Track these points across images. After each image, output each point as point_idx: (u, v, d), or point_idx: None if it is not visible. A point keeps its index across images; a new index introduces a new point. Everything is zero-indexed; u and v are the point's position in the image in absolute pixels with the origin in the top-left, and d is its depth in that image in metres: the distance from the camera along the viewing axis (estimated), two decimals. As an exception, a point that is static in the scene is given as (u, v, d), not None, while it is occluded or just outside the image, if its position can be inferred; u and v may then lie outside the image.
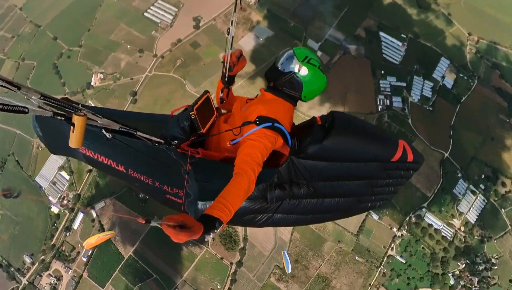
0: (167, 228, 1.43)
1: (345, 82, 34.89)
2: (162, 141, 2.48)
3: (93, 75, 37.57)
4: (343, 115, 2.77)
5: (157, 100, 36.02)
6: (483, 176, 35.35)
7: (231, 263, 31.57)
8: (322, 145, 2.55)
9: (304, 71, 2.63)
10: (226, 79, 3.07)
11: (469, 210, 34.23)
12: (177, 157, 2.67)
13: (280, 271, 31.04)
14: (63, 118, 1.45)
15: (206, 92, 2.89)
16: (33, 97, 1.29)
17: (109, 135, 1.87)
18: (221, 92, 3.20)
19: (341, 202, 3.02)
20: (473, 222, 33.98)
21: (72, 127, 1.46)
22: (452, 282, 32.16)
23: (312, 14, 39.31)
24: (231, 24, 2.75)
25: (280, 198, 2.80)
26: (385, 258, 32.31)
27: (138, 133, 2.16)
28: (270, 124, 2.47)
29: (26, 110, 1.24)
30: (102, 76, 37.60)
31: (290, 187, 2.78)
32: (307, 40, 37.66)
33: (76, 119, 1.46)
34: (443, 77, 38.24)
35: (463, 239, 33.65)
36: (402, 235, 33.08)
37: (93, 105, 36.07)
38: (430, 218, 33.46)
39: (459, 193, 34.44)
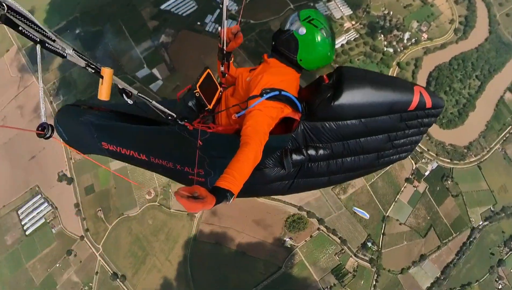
0: (181, 199, 1.46)
1: (195, 59, 34.94)
2: (174, 115, 2.51)
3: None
4: (350, 69, 2.60)
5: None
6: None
7: (318, 229, 33.37)
8: (333, 105, 2.41)
9: (302, 30, 2.51)
10: (223, 53, 3.00)
11: (341, 11, 39.46)
12: (190, 136, 2.70)
13: (339, 188, 33.70)
14: (93, 70, 1.55)
15: (207, 68, 2.83)
16: (66, 50, 1.38)
17: (130, 101, 1.91)
18: (222, 66, 3.15)
19: (362, 159, 2.90)
20: (351, 12, 39.41)
21: (101, 79, 1.56)
22: (391, 50, 37.98)
23: (111, 59, 37.13)
24: None
25: (297, 163, 2.73)
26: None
27: (153, 102, 2.23)
28: (277, 92, 2.42)
29: (65, 55, 1.38)
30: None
31: (306, 151, 2.69)
32: (137, 76, 36.21)
33: (104, 71, 1.57)
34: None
35: (362, 26, 39.17)
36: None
37: None
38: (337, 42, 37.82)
39: (325, 11, 38.76)
